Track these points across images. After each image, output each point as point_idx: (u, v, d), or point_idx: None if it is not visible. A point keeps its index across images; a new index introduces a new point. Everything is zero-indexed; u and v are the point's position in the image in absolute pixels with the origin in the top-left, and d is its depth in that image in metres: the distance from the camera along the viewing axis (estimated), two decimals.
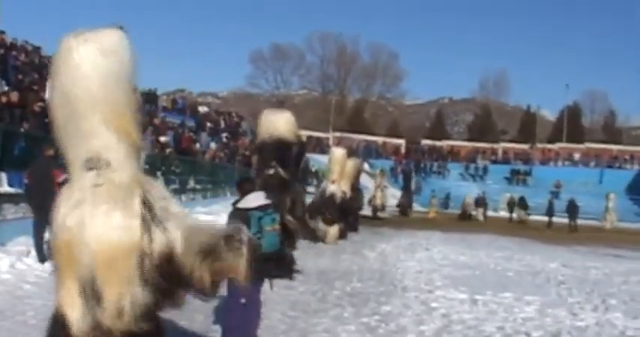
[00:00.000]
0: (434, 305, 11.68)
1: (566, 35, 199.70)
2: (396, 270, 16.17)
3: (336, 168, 23.92)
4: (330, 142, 71.98)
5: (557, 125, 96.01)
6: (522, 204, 48.55)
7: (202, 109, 53.60)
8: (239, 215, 7.55)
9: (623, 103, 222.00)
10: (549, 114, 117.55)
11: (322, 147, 66.71)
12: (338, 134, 79.57)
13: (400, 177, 66.19)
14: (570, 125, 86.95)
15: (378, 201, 37.09)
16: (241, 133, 54.85)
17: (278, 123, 13.79)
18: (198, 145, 37.37)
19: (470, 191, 55.71)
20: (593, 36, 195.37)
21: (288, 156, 13.72)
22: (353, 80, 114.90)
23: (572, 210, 41.66)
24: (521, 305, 12.21)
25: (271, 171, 13.19)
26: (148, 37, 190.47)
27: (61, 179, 12.82)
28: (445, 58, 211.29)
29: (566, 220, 42.01)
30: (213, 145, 40.60)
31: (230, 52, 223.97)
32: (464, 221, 44.12)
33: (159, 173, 27.08)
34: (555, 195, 55.46)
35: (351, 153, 41.31)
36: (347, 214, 24.36)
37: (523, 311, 11.58)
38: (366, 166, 55.90)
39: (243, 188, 8.04)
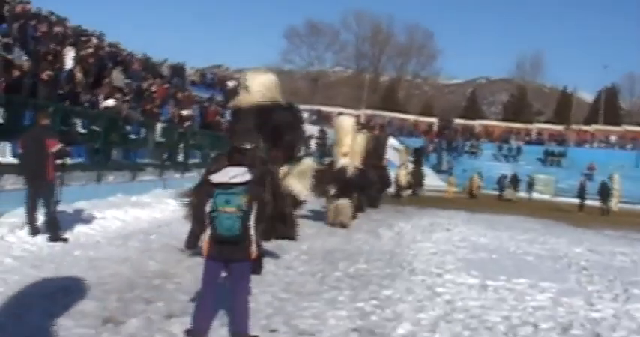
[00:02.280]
0: (439, 290, 10.85)
1: (605, 16, 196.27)
2: (409, 251, 15.32)
3: (346, 139, 21.22)
4: (362, 120, 71.40)
5: (594, 107, 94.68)
6: (514, 182, 48.00)
7: (231, 84, 53.00)
8: (207, 188, 7.27)
9: None
10: (587, 96, 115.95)
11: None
12: (370, 112, 78.94)
13: (431, 156, 65.65)
14: (607, 107, 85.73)
15: (402, 179, 36.03)
16: None
17: (256, 84, 10.93)
18: (223, 120, 36.83)
19: (502, 171, 55.00)
20: (632, 17, 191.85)
21: (273, 128, 10.78)
22: (388, 58, 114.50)
23: (604, 192, 40.52)
24: (535, 292, 11.34)
25: (247, 146, 10.00)
26: (186, 14, 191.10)
27: (54, 148, 12.26)
28: (483, 37, 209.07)
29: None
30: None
31: (266, 28, 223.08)
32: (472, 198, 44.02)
33: (180, 146, 26.68)
34: (589, 177, 54.29)
35: (382, 129, 40.70)
36: (362, 190, 22.74)
37: (535, 299, 10.72)
38: (396, 144, 55.10)
39: (230, 160, 7.38)
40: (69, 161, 14.09)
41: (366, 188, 23.02)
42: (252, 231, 6.97)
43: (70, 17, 32.56)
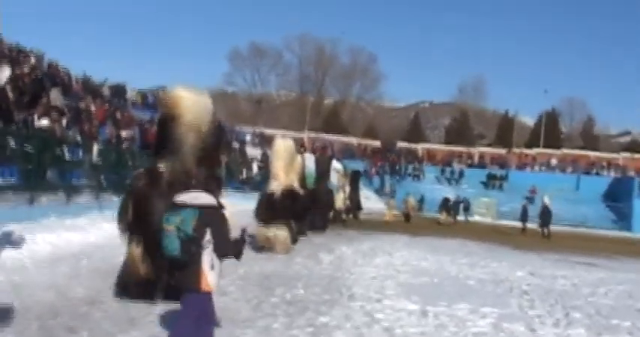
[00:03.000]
0: (378, 316, 10.54)
1: (546, 41, 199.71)
2: (349, 276, 14.99)
3: (278, 162, 20.43)
4: (305, 142, 71.31)
5: (535, 130, 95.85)
6: (449, 205, 48.27)
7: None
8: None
9: (601, 110, 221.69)
10: (528, 119, 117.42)
11: (296, 148, 65.64)
12: (313, 134, 78.81)
13: (375, 179, 65.71)
14: (548, 131, 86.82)
15: (340, 203, 35.66)
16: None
17: (179, 100, 9.81)
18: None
19: (445, 194, 55.14)
20: (573, 42, 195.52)
21: (195, 145, 9.75)
22: (331, 81, 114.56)
23: (545, 215, 40.69)
24: (476, 318, 11.10)
25: (161, 166, 9.56)
26: (129, 35, 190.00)
27: None
28: (426, 61, 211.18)
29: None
30: None
31: (208, 50, 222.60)
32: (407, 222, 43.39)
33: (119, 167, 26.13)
34: (530, 200, 54.63)
35: (324, 151, 40.43)
36: (293, 214, 20.84)
37: (476, 325, 10.47)
38: (339, 166, 54.90)
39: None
40: None
41: (296, 212, 21.18)
42: (204, 259, 6.55)
43: (8, 36, 32.08)
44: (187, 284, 6.61)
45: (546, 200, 41.50)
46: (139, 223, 9.62)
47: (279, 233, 19.05)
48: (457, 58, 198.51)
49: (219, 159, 10.48)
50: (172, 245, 6.44)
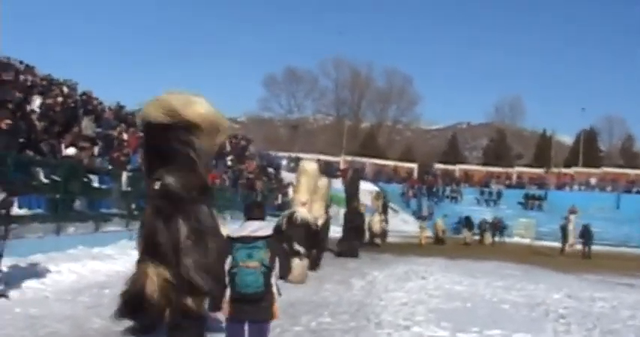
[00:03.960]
0: None
1: (583, 58, 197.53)
2: (378, 302, 14.57)
3: (303, 186, 18.79)
4: (341, 166, 71.16)
5: (573, 149, 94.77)
6: (469, 224, 47.51)
7: None
8: (226, 244, 6.85)
9: None
10: (566, 138, 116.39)
11: (332, 171, 65.55)
12: (349, 158, 78.48)
13: (412, 202, 65.25)
14: (587, 149, 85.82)
15: (376, 226, 35.24)
16: (248, 157, 53.93)
17: (174, 103, 8.18)
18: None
19: (482, 215, 54.61)
20: (610, 59, 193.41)
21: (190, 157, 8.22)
22: (367, 104, 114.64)
23: (586, 235, 39.99)
24: None
25: (157, 185, 8.14)
26: (164, 63, 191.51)
27: None
28: (463, 82, 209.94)
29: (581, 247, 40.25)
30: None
31: (244, 76, 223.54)
32: (438, 244, 42.83)
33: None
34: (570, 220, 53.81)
35: (355, 172, 39.93)
36: (319, 243, 20.36)
37: None
38: (372, 189, 54.65)
39: (252, 214, 7.05)
40: (19, 211, 13.39)
41: (319, 243, 20.33)
42: (274, 289, 6.78)
43: (40, 66, 32.33)
44: (263, 315, 6.78)
45: (572, 217, 41.10)
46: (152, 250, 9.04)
47: (298, 261, 17.86)
48: (494, 77, 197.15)
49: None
50: (258, 281, 6.53)
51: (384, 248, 33.62)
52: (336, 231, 28.67)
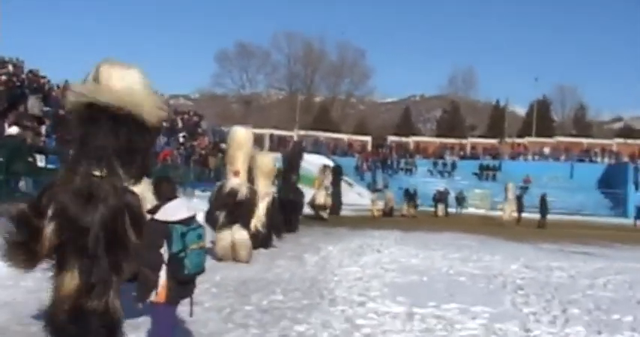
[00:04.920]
0: (359, 322, 9.70)
1: (535, 27, 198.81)
2: (332, 278, 14.11)
3: (238, 154, 16.98)
4: (295, 140, 70.85)
5: (526, 120, 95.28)
6: (408, 196, 48.02)
7: None
8: (158, 228, 6.24)
9: (593, 97, 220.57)
10: (520, 109, 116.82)
11: (285, 146, 65.19)
12: (302, 132, 78.08)
13: (366, 175, 65.11)
14: (540, 119, 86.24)
15: (321, 199, 34.78)
16: (200, 133, 53.23)
17: (115, 80, 6.67)
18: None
19: (438, 187, 54.71)
20: (562, 28, 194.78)
21: (132, 144, 6.67)
22: (320, 78, 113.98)
23: (542, 205, 40.07)
24: (466, 318, 10.27)
25: (97, 172, 6.33)
26: (114, 38, 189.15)
27: None
28: (415, 55, 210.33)
29: (537, 216, 40.31)
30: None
31: (195, 53, 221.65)
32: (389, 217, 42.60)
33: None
34: (524, 190, 53.98)
35: (295, 145, 39.24)
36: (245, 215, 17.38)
37: (466, 328, 9.64)
38: (326, 163, 54.24)
39: (160, 190, 6.64)
40: None
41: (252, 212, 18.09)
42: None
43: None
44: (189, 294, 6.58)
45: (510, 186, 41.63)
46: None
47: (242, 238, 16.48)
48: (446, 49, 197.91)
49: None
50: (201, 261, 6.37)
51: (338, 221, 33.26)
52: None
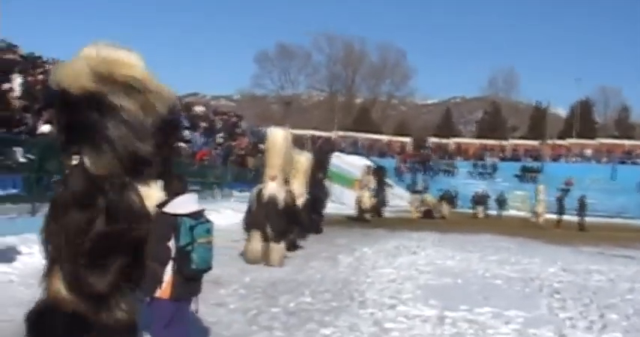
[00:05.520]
0: (388, 325, 9.46)
1: (577, 30, 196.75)
2: (365, 279, 13.89)
3: (275, 156, 16.18)
4: (334, 141, 70.77)
5: (568, 121, 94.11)
6: (447, 198, 47.11)
7: (198, 109, 51.86)
8: (166, 221, 6.22)
9: (636, 99, 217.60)
10: (561, 110, 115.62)
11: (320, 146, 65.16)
12: (342, 133, 77.76)
13: (406, 176, 64.71)
14: (582, 121, 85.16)
15: (366, 201, 34.48)
16: (239, 134, 53.17)
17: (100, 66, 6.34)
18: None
19: (478, 188, 54.26)
20: (605, 28, 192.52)
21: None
22: (361, 79, 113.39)
23: (581, 207, 39.45)
24: (499, 323, 9.99)
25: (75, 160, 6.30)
26: (154, 40, 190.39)
27: None
28: (456, 56, 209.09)
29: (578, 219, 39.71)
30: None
31: (237, 53, 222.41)
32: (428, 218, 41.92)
33: None
34: (566, 192, 53.21)
35: (323, 144, 38.92)
36: (296, 221, 18.03)
37: (498, 333, 9.36)
38: (367, 164, 53.88)
39: (171, 186, 6.52)
40: None
41: (296, 222, 18.10)
42: None
43: (24, 45, 31.81)
44: (199, 289, 6.49)
45: (541, 188, 41.26)
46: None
47: (278, 248, 15.96)
48: (487, 50, 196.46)
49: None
50: (209, 257, 6.25)
51: (378, 223, 32.96)
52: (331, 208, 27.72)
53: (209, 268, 6.29)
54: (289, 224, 16.89)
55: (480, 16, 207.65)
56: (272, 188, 16.08)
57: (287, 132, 17.12)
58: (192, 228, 6.06)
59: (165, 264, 6.15)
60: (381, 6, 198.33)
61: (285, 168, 16.79)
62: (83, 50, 6.47)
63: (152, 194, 6.52)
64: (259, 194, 16.28)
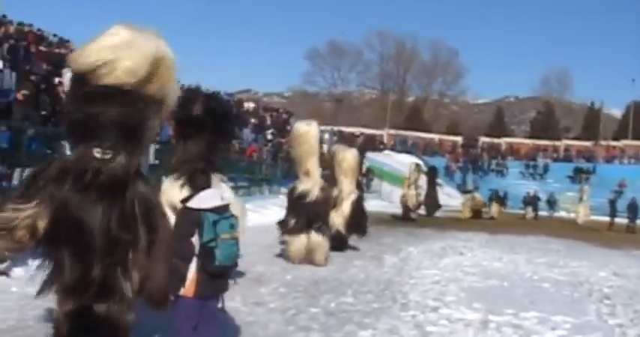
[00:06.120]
0: (429, 329, 9.23)
1: (631, 29, 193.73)
2: (408, 280, 13.65)
3: (303, 151, 15.81)
4: (384, 140, 70.37)
5: (622, 122, 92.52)
6: (497, 198, 45.99)
7: (248, 105, 51.95)
8: (189, 216, 6.06)
9: None
10: (616, 111, 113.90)
11: (375, 145, 64.82)
12: (393, 131, 77.37)
13: (456, 175, 64.24)
14: (637, 122, 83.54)
15: (412, 200, 33.99)
16: (289, 130, 53.10)
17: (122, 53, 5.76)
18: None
19: (530, 189, 53.59)
20: None
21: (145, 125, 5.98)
22: (413, 77, 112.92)
23: (632, 209, 38.66)
24: (545, 329, 9.70)
25: (107, 156, 5.66)
26: (207, 37, 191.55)
27: None
28: (508, 55, 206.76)
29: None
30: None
31: (288, 50, 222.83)
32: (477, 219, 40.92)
33: None
34: (619, 194, 52.25)
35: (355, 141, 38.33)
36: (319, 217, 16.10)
37: None
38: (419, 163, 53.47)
39: (196, 181, 6.65)
40: None
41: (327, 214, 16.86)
42: None
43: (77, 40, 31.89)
44: (227, 287, 6.33)
45: (586, 188, 40.47)
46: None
47: (317, 241, 15.41)
48: (540, 49, 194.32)
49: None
50: (237, 252, 6.11)
51: (425, 222, 32.56)
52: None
53: (234, 265, 6.19)
54: (324, 217, 16.26)
55: (533, 14, 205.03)
56: (305, 183, 15.78)
57: (312, 125, 16.34)
58: (215, 224, 5.92)
59: (188, 261, 5.99)
60: (433, 4, 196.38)
61: (318, 163, 16.17)
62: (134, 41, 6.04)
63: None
64: (291, 191, 16.15)
